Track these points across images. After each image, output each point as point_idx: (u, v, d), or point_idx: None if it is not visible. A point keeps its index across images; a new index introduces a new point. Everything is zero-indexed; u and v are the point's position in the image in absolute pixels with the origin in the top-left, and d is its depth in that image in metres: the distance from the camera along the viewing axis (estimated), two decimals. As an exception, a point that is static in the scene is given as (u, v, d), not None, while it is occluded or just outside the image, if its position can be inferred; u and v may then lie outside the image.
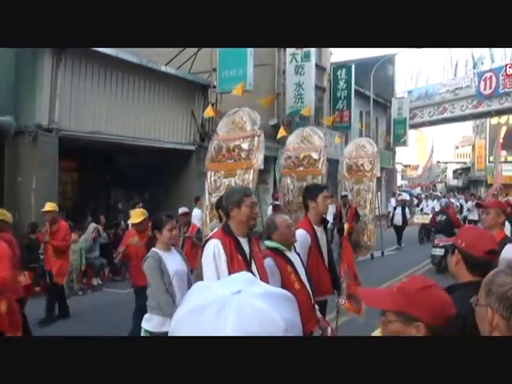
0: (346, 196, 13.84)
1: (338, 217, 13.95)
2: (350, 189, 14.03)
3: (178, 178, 16.13)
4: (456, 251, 2.54)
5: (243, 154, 8.28)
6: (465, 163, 63.34)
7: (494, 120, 47.52)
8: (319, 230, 4.98)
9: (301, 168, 11.03)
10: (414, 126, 41.84)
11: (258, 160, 8.07)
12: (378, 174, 13.87)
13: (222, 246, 3.72)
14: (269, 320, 0.87)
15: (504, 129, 48.89)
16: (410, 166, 69.98)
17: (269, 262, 4.13)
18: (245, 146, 8.31)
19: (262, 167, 8.07)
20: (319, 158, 10.77)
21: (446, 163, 70.06)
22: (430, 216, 18.41)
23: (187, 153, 16.09)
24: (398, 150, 36.89)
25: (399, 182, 49.74)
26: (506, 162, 47.86)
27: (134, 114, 13.99)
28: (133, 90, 14.07)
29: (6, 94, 11.59)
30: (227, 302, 0.88)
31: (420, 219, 20.29)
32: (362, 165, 13.99)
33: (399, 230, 18.57)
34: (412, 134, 46.98)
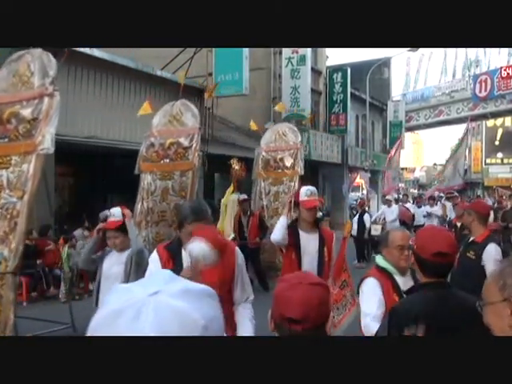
0: (246, 200, 10.59)
1: (236, 230, 10.60)
2: (266, 191, 10.64)
3: (174, 182, 16.10)
4: (411, 254, 2.60)
5: (22, 129, 5.35)
6: (461, 165, 63.32)
7: (490, 122, 47.68)
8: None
9: (166, 160, 7.72)
10: (410, 129, 42.01)
11: (45, 139, 5.13)
12: (301, 172, 10.44)
13: (157, 257, 3.26)
14: (187, 319, 0.85)
15: (500, 131, 49.10)
16: (406, 168, 70.04)
17: (370, 282, 3.34)
18: (26, 113, 5.33)
19: (52, 151, 5.33)
20: (191, 146, 7.45)
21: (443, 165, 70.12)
22: (379, 226, 15.10)
23: (184, 157, 16.06)
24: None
25: (396, 184, 49.72)
26: (502, 163, 48.07)
27: (130, 118, 13.95)
28: (129, 94, 14.06)
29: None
30: (144, 305, 0.85)
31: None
32: (281, 159, 10.55)
33: (357, 243, 14.84)
34: (408, 137, 47.11)
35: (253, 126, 11.94)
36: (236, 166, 13.16)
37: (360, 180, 29.46)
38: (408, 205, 17.94)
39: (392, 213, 15.63)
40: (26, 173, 5.18)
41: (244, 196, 10.75)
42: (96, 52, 12.31)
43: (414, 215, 17.12)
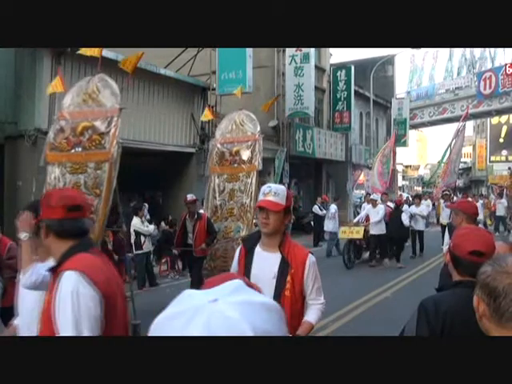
0: (193, 202, 9.35)
1: (178, 235, 9.45)
2: (220, 189, 9.16)
3: (178, 180, 16.15)
4: (447, 250, 2.61)
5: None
6: (465, 163, 63.38)
7: (495, 120, 47.55)
8: None
9: (78, 149, 6.48)
10: (415, 127, 41.96)
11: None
12: (259, 167, 9.07)
13: None
14: (236, 329, 0.85)
15: (504, 128, 48.95)
16: (410, 166, 70.02)
17: None
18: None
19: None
20: (108, 131, 6.30)
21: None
22: (362, 229, 13.90)
23: (187, 155, 16.10)
24: (399, 150, 36.93)
25: (400, 182, 49.81)
26: (506, 161, 47.92)
27: (134, 117, 13.98)
28: (132, 93, 14.07)
29: (5, 98, 11.59)
30: (200, 311, 0.87)
31: (347, 233, 14.00)
32: (237, 152, 9.14)
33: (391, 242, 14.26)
34: (412, 135, 47.07)
35: (206, 115, 11.38)
36: None
37: (364, 178, 29.45)
38: (391, 204, 16.58)
39: (377, 213, 14.09)
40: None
41: (192, 196, 9.46)
42: (100, 50, 12.32)
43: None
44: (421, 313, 2.38)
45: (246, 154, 9.00)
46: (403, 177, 59.11)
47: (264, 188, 3.23)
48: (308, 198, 24.34)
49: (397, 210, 14.28)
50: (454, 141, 18.06)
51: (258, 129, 9.27)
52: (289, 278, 3.10)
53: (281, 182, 20.09)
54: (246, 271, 3.16)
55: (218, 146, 9.29)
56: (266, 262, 3.14)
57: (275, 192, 3.12)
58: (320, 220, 18.38)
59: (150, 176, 15.51)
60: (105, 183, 5.97)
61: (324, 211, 18.69)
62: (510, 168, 31.78)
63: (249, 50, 16.51)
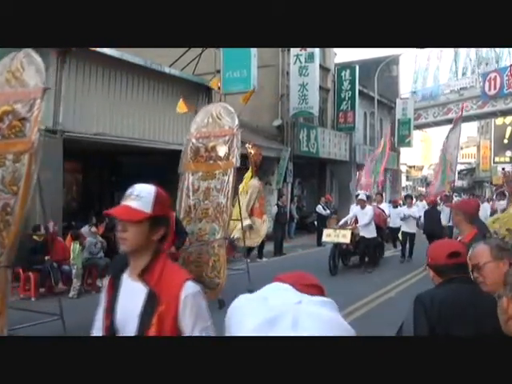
0: None
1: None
2: (194, 188, 8.42)
3: (182, 179, 16.16)
4: (428, 268, 2.78)
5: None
6: (470, 164, 63.27)
7: (499, 120, 47.39)
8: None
9: None
10: (419, 127, 41.84)
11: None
12: (237, 163, 8.36)
13: None
14: (342, 327, 0.91)
15: (509, 129, 48.76)
16: (414, 166, 69.91)
17: None
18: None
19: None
20: (30, 116, 5.35)
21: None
22: (348, 232, 12.50)
23: (191, 154, 16.12)
24: (403, 150, 36.88)
25: (404, 182, 49.70)
26: (510, 162, 47.72)
27: (139, 115, 14.01)
28: (137, 91, 14.09)
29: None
30: (298, 313, 0.90)
31: (332, 236, 12.60)
32: (213, 148, 8.41)
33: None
34: (417, 135, 46.95)
35: (181, 107, 10.85)
36: (252, 150, 12.94)
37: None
38: (383, 205, 15.79)
39: (366, 215, 12.93)
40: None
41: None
42: (105, 49, 12.35)
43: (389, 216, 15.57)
44: (417, 305, 2.56)
45: (222, 150, 8.28)
46: (407, 177, 59.01)
47: (128, 190, 2.24)
48: (312, 197, 24.31)
49: (433, 209, 14.30)
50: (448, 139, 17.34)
51: (236, 122, 8.56)
52: (155, 319, 2.05)
53: (284, 182, 20.09)
54: (111, 306, 2.18)
55: (193, 140, 8.59)
56: (132, 293, 2.13)
57: (137, 195, 2.16)
58: (323, 220, 18.34)
59: (154, 175, 15.53)
60: (23, 178, 5.10)
61: (327, 211, 18.64)
62: None
63: (253, 50, 16.52)
